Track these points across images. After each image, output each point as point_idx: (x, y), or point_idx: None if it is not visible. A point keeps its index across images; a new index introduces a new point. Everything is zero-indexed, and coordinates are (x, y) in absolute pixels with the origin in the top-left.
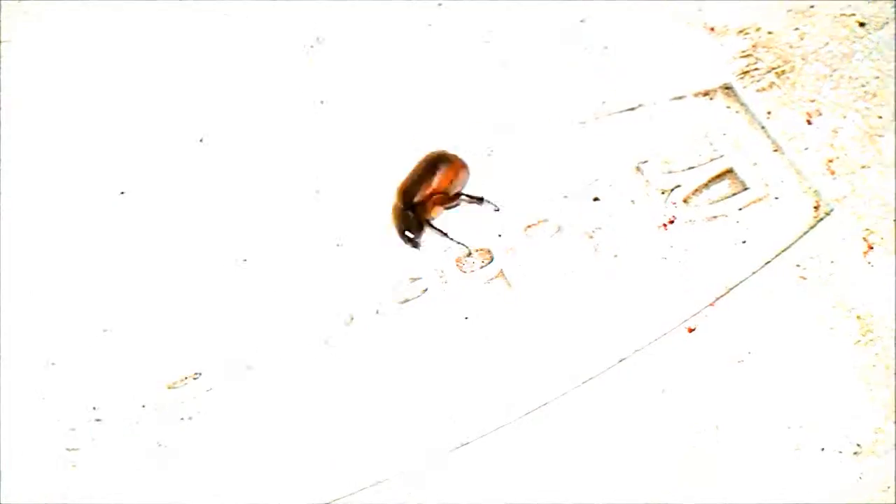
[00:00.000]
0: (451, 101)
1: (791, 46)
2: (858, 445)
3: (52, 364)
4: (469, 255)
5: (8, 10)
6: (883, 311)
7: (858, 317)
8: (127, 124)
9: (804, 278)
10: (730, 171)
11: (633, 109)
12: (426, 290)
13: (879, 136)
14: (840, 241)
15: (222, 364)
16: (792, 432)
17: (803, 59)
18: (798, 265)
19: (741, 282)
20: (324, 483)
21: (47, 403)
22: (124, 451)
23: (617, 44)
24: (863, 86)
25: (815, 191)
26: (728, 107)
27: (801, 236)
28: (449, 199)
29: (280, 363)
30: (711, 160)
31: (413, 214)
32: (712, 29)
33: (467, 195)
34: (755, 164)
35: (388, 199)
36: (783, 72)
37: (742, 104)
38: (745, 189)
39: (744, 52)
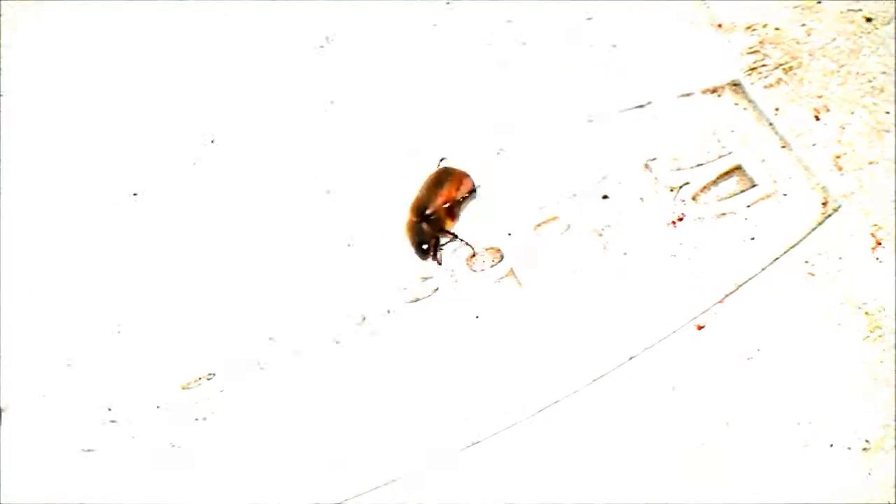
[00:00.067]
0: (459, 100)
1: (798, 42)
2: (867, 442)
3: (69, 366)
4: (478, 254)
5: (11, 11)
6: (891, 307)
7: (867, 313)
8: (138, 126)
9: (812, 275)
10: (738, 167)
11: (641, 107)
12: (437, 289)
13: (887, 131)
14: (848, 237)
15: (235, 364)
16: (801, 428)
17: (810, 54)
18: (806, 261)
19: (750, 279)
20: (336, 482)
21: (62, 405)
22: (139, 452)
23: (624, 41)
24: (870, 81)
25: (823, 187)
26: (736, 103)
27: (809, 233)
28: (458, 204)
29: (292, 363)
30: (720, 157)
31: (428, 226)
32: (720, 25)
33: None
34: (763, 160)
35: (399, 198)
36: (790, 68)
37: (750, 101)
38: (754, 186)
39: (751, 48)
